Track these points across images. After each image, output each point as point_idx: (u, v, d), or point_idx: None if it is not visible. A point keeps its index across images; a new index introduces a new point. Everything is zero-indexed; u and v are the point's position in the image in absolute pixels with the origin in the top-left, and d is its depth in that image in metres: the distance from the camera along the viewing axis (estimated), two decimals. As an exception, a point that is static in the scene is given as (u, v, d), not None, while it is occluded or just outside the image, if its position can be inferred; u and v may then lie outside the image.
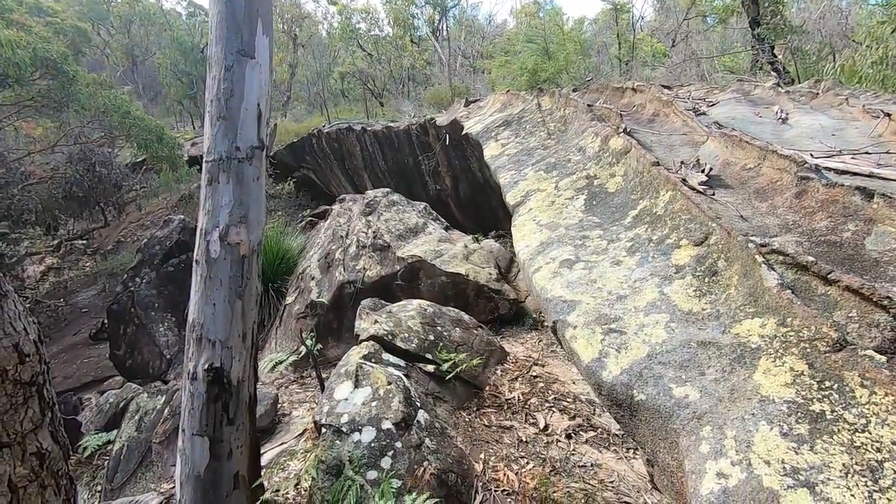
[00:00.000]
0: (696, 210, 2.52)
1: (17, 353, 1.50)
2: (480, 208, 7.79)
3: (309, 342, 5.17)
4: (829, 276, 1.80)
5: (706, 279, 2.20)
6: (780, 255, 1.99)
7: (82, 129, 11.85)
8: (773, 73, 6.17)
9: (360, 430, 2.71)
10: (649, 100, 4.22)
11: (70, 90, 10.47)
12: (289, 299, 6.18)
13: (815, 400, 1.54)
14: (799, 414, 1.53)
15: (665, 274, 2.36)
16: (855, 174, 2.27)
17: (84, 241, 14.67)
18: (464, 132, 5.91)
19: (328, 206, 8.40)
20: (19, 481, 1.42)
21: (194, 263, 2.60)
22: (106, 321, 7.59)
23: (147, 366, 6.72)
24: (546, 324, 2.78)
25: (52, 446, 1.59)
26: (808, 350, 1.66)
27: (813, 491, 1.34)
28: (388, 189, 6.79)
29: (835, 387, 1.54)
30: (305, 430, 4.04)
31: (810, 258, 1.91)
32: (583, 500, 2.43)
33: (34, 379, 1.57)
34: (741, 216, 2.35)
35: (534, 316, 5.34)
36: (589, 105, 4.36)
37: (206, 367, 2.50)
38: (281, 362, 5.37)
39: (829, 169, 2.33)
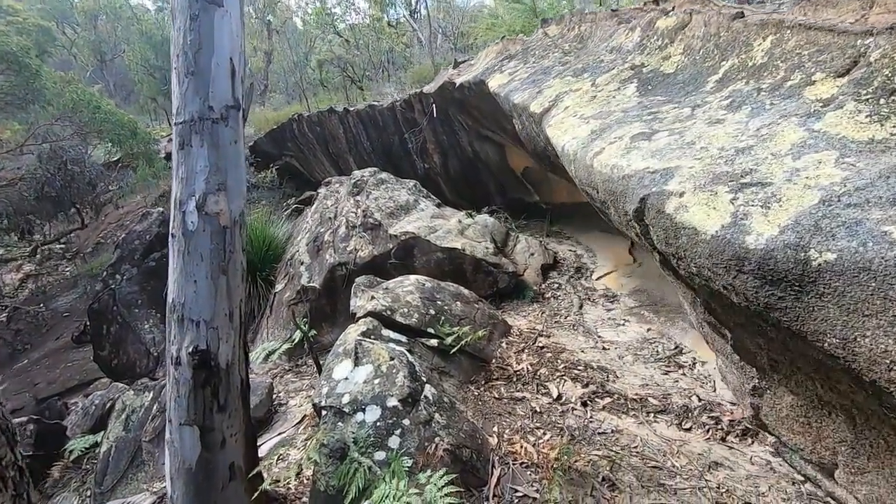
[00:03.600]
0: (828, 37, 2.06)
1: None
2: (472, 185, 7.57)
3: (304, 326, 4.96)
4: None
5: (882, 100, 1.72)
6: None
7: (51, 126, 11.33)
8: None
9: (363, 410, 2.52)
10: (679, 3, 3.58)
11: (34, 85, 9.97)
12: (278, 286, 5.94)
13: None
14: None
15: (805, 112, 1.91)
16: None
17: (62, 245, 14.17)
18: (458, 84, 5.57)
19: (314, 192, 8.12)
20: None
21: (170, 238, 2.36)
22: (88, 322, 7.27)
23: (134, 365, 6.45)
24: (621, 210, 2.28)
25: None
26: None
27: None
28: (375, 168, 6.53)
29: None
30: (304, 417, 3.85)
31: None
32: (608, 468, 2.27)
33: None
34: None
35: (534, 288, 5.18)
36: (613, 10, 4.00)
37: (190, 349, 2.28)
38: (274, 351, 5.14)
39: None
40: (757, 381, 2.01)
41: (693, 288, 2.04)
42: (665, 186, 1.98)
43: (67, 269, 13.34)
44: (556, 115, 3.32)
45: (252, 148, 11.38)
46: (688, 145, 2.16)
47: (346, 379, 2.72)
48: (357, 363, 2.80)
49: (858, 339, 1.31)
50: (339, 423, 2.50)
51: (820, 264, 1.36)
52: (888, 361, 1.26)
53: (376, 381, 2.64)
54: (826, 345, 1.40)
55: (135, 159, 13.49)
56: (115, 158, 15.48)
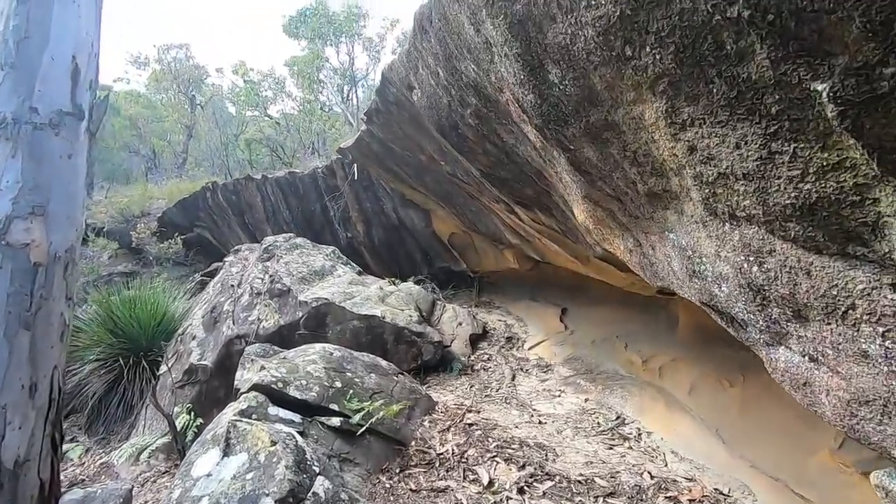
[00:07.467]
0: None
1: None
2: (397, 254, 7.20)
3: (185, 417, 4.09)
4: None
5: None
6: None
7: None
8: None
9: (225, 519, 1.83)
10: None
11: None
12: (163, 368, 4.98)
13: None
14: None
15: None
16: None
17: None
18: (366, 111, 5.03)
19: (221, 262, 7.35)
20: None
21: (-51, 277, 1.70)
22: None
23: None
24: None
25: None
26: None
27: None
28: (291, 234, 6.01)
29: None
30: (166, 535, 2.94)
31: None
32: (554, 578, 1.72)
33: None
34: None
35: (463, 360, 4.69)
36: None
37: (-48, 441, 1.55)
38: (145, 448, 4.18)
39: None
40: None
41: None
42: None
43: None
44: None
45: (160, 219, 10.43)
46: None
47: (209, 476, 2.03)
48: (227, 452, 2.12)
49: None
50: (189, 542, 1.79)
51: None
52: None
53: (249, 476, 1.97)
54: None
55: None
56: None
